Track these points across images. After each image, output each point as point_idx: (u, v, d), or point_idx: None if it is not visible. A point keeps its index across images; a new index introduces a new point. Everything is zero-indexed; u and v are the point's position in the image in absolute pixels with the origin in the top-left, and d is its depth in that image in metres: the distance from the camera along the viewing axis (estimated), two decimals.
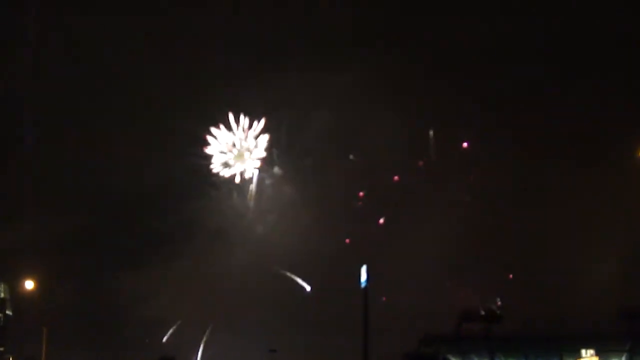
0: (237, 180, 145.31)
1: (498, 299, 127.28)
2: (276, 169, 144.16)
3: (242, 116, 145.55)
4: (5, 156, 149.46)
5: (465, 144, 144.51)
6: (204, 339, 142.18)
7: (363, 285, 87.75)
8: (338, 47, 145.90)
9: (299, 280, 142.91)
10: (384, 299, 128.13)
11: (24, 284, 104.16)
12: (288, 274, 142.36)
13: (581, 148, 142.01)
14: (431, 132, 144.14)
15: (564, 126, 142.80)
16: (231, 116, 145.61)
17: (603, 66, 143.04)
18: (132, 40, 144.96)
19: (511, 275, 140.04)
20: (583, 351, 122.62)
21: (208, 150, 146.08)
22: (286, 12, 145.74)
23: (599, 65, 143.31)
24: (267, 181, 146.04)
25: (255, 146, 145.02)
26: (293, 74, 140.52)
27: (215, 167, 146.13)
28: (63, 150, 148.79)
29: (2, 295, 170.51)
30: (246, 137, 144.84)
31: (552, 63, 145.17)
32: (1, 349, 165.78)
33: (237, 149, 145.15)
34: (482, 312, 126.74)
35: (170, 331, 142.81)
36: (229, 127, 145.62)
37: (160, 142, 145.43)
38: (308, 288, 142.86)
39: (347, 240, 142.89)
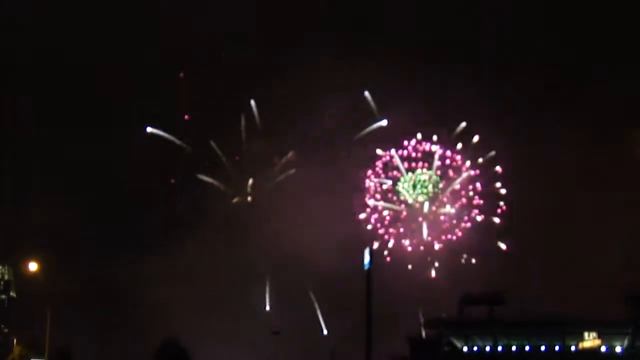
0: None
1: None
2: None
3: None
4: (12, 139, 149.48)
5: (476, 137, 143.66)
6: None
7: (366, 267, 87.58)
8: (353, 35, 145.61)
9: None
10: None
11: (27, 266, 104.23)
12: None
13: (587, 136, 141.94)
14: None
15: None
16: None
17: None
18: (143, 29, 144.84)
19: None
20: (586, 334, 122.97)
21: None
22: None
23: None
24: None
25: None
26: (308, 62, 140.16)
27: None
28: (71, 134, 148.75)
29: (6, 277, 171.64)
30: None
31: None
32: (5, 330, 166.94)
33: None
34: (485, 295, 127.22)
35: None
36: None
37: (170, 129, 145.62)
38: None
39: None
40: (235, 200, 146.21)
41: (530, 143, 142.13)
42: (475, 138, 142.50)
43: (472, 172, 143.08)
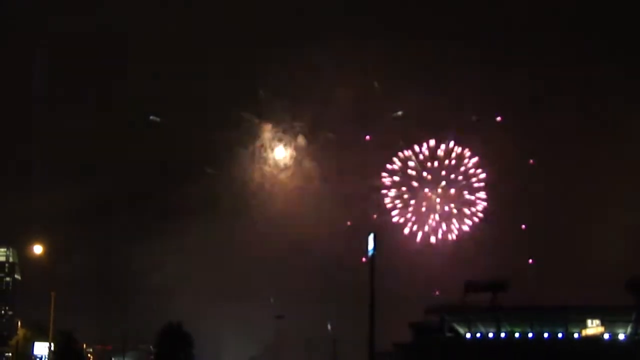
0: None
1: None
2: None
3: None
4: (22, 125, 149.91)
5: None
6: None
7: (370, 253, 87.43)
8: (363, 22, 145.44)
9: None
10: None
11: (32, 248, 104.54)
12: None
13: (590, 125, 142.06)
14: None
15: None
16: None
17: None
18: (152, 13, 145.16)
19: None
20: (589, 321, 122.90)
21: None
22: None
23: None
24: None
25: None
26: (320, 50, 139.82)
27: None
28: (80, 120, 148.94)
29: (11, 259, 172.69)
30: None
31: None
32: (10, 312, 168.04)
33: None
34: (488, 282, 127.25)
35: None
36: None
37: (181, 117, 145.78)
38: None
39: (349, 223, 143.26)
40: (243, 187, 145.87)
41: (533, 135, 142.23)
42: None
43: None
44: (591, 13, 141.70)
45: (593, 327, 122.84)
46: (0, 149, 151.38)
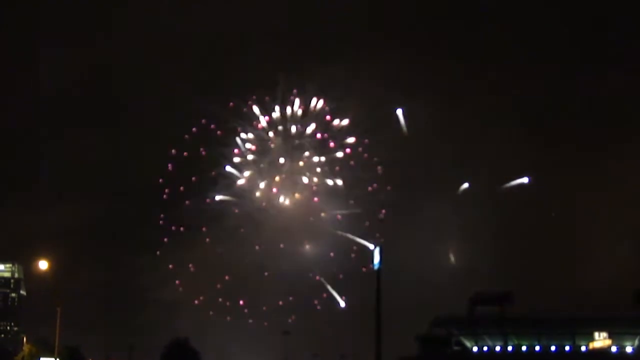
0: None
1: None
2: None
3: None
4: (29, 143, 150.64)
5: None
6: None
7: (376, 267, 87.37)
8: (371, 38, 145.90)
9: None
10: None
11: (38, 264, 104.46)
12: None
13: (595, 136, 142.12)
14: None
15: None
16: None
17: None
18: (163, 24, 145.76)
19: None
20: (596, 334, 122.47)
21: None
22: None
23: None
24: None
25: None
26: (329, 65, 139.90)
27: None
28: (86, 137, 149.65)
29: (17, 275, 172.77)
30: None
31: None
32: (15, 328, 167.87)
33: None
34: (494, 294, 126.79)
35: None
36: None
37: (188, 130, 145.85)
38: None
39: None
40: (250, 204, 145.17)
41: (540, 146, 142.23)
42: None
43: None
44: None
45: (600, 340, 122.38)
46: (6, 166, 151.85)
